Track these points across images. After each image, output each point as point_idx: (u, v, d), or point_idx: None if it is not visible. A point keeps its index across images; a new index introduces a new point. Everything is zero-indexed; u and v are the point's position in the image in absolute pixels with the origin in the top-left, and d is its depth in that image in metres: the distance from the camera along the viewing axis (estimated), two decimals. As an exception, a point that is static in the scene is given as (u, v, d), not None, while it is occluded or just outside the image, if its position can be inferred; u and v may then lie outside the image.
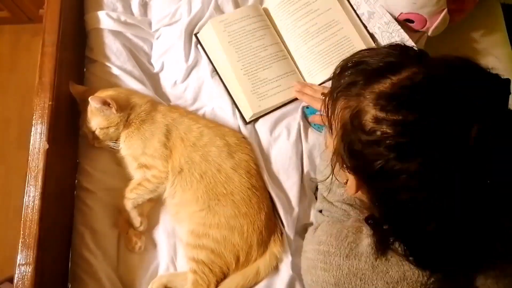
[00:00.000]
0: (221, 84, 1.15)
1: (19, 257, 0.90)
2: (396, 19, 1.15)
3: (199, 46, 1.19)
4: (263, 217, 1.02)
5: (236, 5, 1.20)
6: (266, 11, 1.21)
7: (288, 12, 1.19)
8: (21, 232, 0.91)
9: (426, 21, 1.15)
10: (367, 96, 0.65)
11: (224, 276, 1.00)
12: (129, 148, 1.06)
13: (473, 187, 0.61)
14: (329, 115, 0.73)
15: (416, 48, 0.71)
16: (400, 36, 1.14)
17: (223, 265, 0.99)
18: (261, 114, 1.13)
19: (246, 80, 1.13)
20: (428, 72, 0.63)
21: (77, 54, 1.18)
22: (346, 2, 1.22)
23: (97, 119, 1.04)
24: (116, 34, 1.18)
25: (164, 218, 1.09)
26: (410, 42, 1.09)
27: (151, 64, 1.21)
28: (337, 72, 0.74)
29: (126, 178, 1.08)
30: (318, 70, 1.16)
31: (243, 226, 0.99)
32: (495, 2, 1.24)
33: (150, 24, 1.22)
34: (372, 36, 1.19)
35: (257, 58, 1.15)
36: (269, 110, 1.14)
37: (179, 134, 1.05)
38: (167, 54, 1.20)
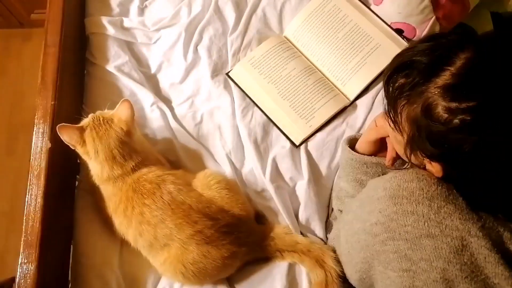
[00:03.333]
0: (222, 85, 1.17)
1: (21, 255, 0.90)
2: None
3: (231, 83, 1.18)
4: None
5: (236, 7, 1.22)
6: (287, 38, 1.22)
7: (310, 31, 1.20)
8: (23, 230, 0.91)
9: (416, 30, 1.16)
10: (432, 91, 0.66)
11: None
12: None
13: None
14: (394, 119, 0.75)
15: (454, 33, 0.71)
16: None
17: None
18: (312, 134, 1.13)
19: (289, 107, 1.14)
20: (481, 52, 0.65)
21: (79, 56, 1.19)
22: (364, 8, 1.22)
23: None
24: (115, 36, 1.19)
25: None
26: None
27: (150, 66, 1.22)
28: (386, 79, 0.75)
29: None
30: (347, 79, 1.16)
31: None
32: (484, 9, 1.29)
33: (149, 27, 1.24)
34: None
35: (292, 83, 1.15)
36: (318, 127, 1.13)
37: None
38: (166, 55, 1.21)
